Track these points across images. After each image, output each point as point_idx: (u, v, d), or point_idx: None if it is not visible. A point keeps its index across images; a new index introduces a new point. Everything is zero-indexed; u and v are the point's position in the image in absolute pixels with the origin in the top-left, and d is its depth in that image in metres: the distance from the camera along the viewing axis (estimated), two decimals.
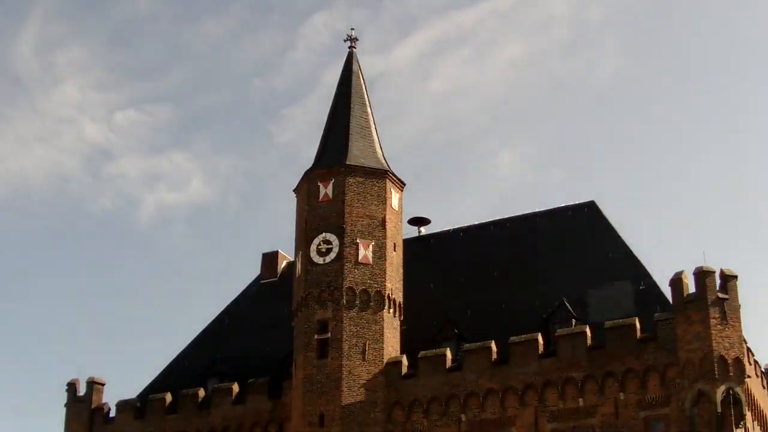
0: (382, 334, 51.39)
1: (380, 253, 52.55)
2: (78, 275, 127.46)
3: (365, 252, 52.23)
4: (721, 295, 46.34)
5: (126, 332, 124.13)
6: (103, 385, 59.58)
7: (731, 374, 45.34)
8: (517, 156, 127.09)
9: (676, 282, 47.19)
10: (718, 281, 46.66)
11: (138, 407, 57.48)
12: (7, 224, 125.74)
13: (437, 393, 49.82)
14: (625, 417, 46.63)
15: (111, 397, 59.27)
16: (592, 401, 47.29)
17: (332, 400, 50.05)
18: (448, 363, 50.28)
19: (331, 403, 50.01)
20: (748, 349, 48.06)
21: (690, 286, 46.94)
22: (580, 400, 47.51)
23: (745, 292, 47.20)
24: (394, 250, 53.39)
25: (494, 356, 49.46)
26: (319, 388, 50.41)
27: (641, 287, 50.83)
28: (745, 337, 47.15)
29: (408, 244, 56.21)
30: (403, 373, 50.76)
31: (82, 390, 59.29)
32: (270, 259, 63.99)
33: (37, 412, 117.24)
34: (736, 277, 47.01)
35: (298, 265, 53.66)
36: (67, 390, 59.62)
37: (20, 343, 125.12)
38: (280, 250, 63.72)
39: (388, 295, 52.05)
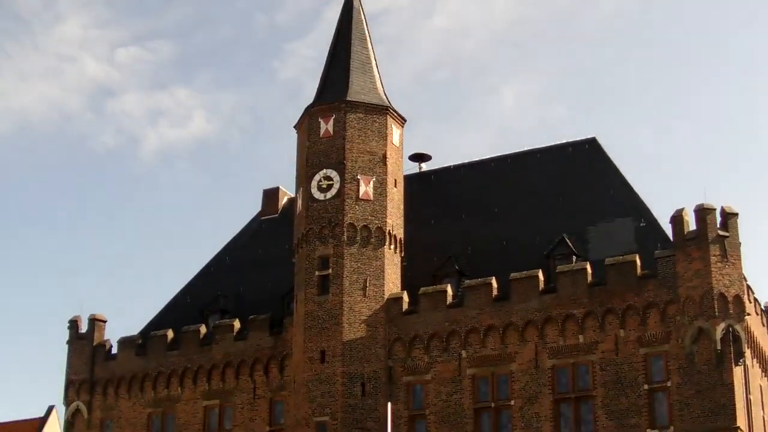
0: (383, 271, 51.42)
1: (381, 189, 52.49)
2: (79, 212, 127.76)
3: (366, 188, 52.17)
4: (721, 232, 46.25)
5: (127, 269, 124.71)
6: (104, 322, 59.62)
7: (731, 312, 45.35)
8: (520, 92, 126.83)
9: (677, 219, 47.10)
10: (718, 218, 46.53)
11: (140, 344, 57.61)
12: (9, 161, 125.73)
13: (438, 329, 49.91)
14: (625, 353, 46.66)
15: (113, 334, 59.48)
16: (593, 338, 47.34)
17: (333, 336, 50.21)
18: (449, 299, 50.31)
19: (332, 339, 50.18)
20: (748, 287, 48.07)
21: (690, 223, 46.81)
22: (581, 336, 47.59)
23: (745, 229, 47.22)
24: (395, 186, 53.33)
25: (495, 292, 49.46)
26: (319, 324, 50.55)
27: (642, 224, 50.72)
28: (745, 275, 47.12)
29: (409, 180, 56.13)
30: (403, 310, 50.81)
31: (83, 327, 59.35)
32: (271, 195, 63.74)
33: (39, 349, 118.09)
34: (736, 214, 46.91)
35: (299, 202, 53.64)
36: (69, 327, 59.63)
37: (22, 280, 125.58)
38: (281, 186, 63.46)
39: (389, 231, 52.02)
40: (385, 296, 51.11)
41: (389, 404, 45.72)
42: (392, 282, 51.73)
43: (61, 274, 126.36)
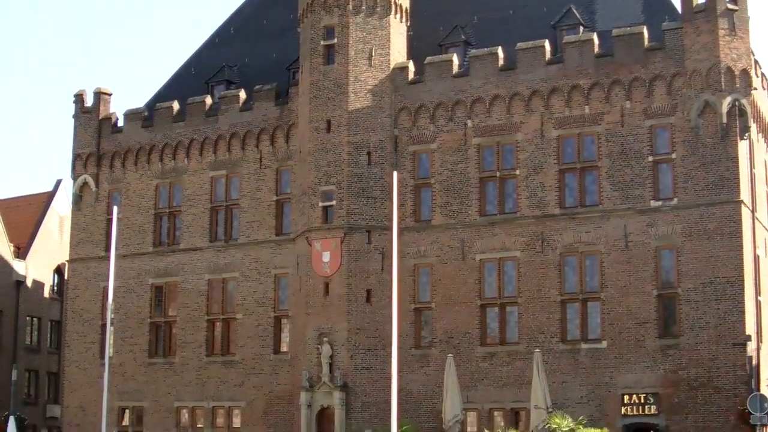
0: (389, 40, 50.91)
1: None
2: None
3: None
4: (730, 6, 45.67)
5: (132, 42, 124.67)
6: (110, 95, 59.59)
7: (737, 86, 45.21)
8: None
9: None
10: None
11: (145, 116, 57.67)
12: None
13: (443, 98, 49.80)
14: (631, 125, 46.72)
15: (118, 107, 59.76)
16: (598, 109, 47.30)
17: (339, 105, 50.13)
18: (455, 69, 50.04)
19: (338, 109, 50.11)
20: (756, 62, 47.78)
21: None
22: (586, 107, 47.52)
23: (755, 3, 46.74)
24: None
25: (501, 62, 49.16)
26: (325, 93, 50.36)
27: None
28: (753, 49, 46.86)
29: None
30: (409, 79, 50.61)
31: (89, 101, 59.36)
32: None
33: (46, 124, 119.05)
34: None
35: None
36: (75, 101, 59.69)
37: (27, 55, 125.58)
38: None
39: (395, 0, 51.40)
40: (391, 66, 50.80)
41: (395, 173, 45.58)
42: (398, 51, 51.33)
43: (66, 48, 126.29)
